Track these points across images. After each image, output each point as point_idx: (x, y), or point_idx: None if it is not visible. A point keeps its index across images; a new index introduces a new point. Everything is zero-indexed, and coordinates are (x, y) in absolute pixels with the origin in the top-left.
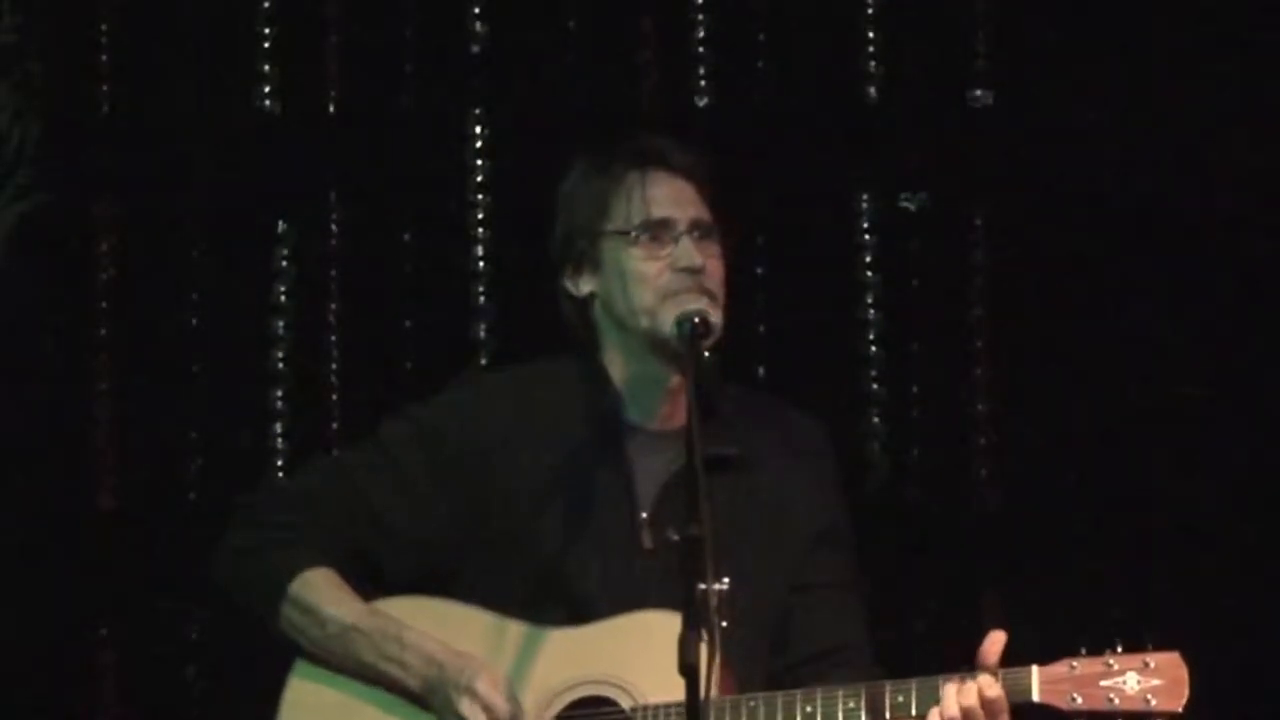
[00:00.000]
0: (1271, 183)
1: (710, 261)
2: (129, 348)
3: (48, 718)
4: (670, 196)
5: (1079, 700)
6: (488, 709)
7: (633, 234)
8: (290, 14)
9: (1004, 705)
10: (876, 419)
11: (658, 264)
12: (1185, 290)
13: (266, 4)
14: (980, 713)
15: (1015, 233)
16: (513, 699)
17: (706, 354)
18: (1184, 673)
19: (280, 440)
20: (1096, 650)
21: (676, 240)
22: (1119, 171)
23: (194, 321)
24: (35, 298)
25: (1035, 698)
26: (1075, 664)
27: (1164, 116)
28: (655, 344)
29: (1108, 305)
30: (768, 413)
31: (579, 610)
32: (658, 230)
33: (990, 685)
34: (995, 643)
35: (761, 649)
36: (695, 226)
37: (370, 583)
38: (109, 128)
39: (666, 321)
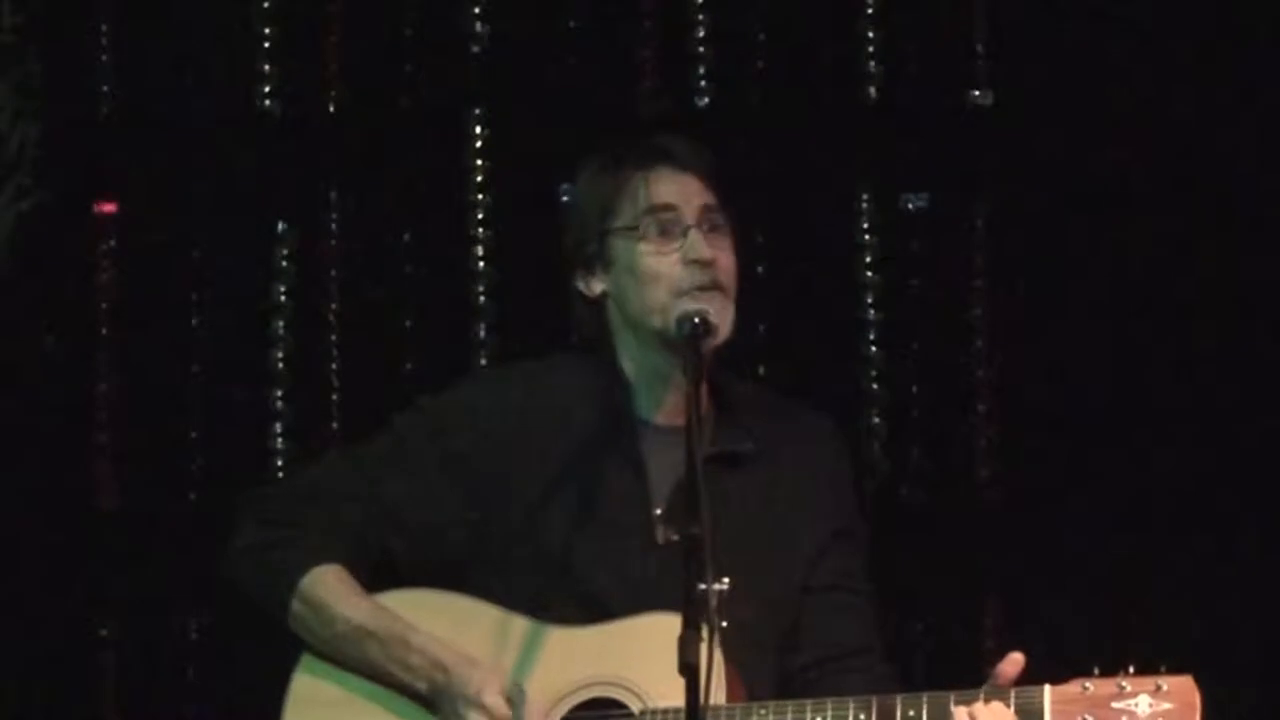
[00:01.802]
0: (1274, 182)
1: (721, 255)
2: (129, 348)
3: (48, 718)
4: (675, 188)
5: None
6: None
7: (640, 228)
8: (290, 14)
9: None
10: (876, 419)
11: (667, 259)
12: (1187, 290)
13: (266, 4)
14: None
15: (1015, 233)
16: (520, 706)
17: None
18: (1196, 698)
19: (280, 440)
20: (1109, 670)
21: (685, 233)
22: (1119, 171)
23: (194, 321)
24: (35, 298)
25: (1047, 718)
26: (1088, 684)
27: (1165, 115)
28: (667, 341)
29: (1109, 305)
30: (784, 412)
31: (591, 605)
32: (664, 222)
33: (1004, 714)
34: (1013, 664)
35: (771, 647)
36: (704, 218)
37: (381, 575)
38: (109, 128)
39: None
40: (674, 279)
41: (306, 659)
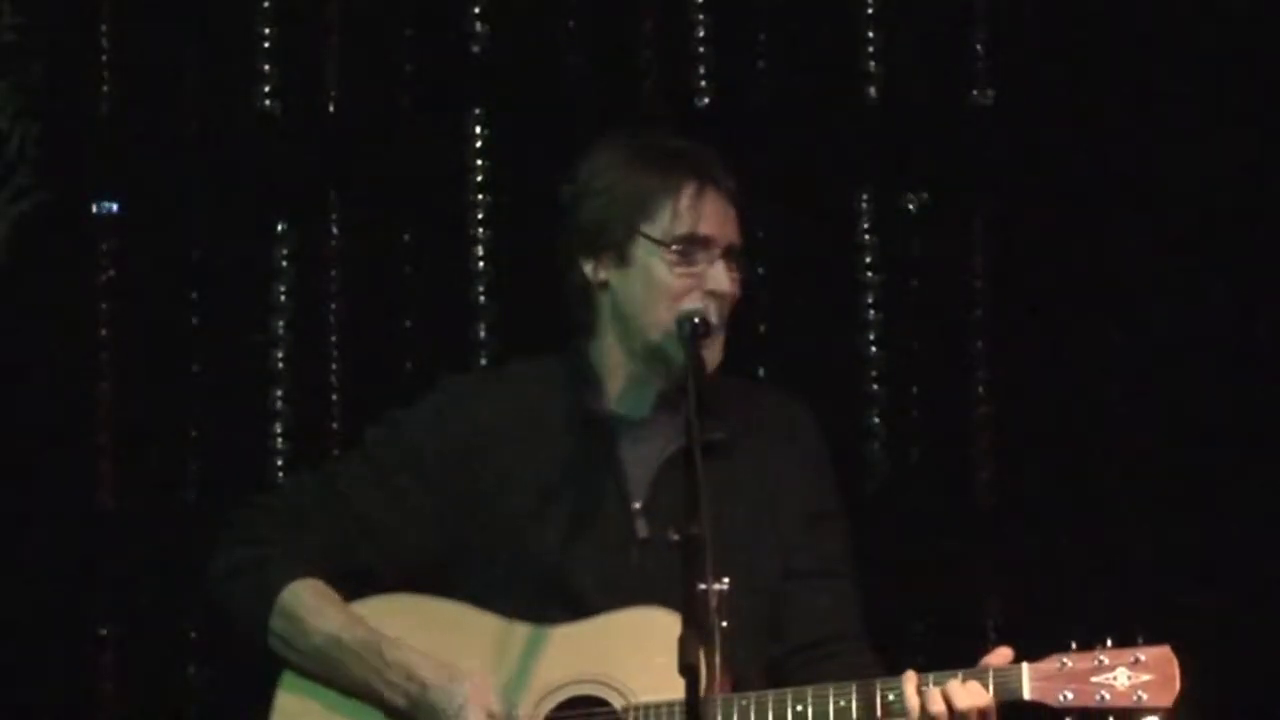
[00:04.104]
0: (1273, 181)
1: (735, 292)
2: (129, 348)
3: (48, 718)
4: (717, 216)
5: (1070, 697)
6: None
7: (673, 246)
8: (290, 14)
9: (992, 711)
10: (876, 419)
11: (687, 281)
12: (1186, 289)
13: (266, 4)
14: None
15: (1015, 233)
16: (506, 708)
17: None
18: (1174, 668)
19: (280, 440)
20: (1087, 646)
21: (711, 262)
22: (1119, 171)
23: (194, 321)
24: (35, 298)
25: (1026, 695)
26: (1066, 660)
27: (1164, 115)
28: (658, 357)
29: (1108, 305)
30: (756, 399)
31: (577, 604)
32: (697, 248)
33: (981, 695)
34: (1000, 657)
35: (759, 637)
36: (731, 251)
37: (364, 592)
38: (109, 128)
39: (677, 349)
40: (685, 308)
41: (287, 676)
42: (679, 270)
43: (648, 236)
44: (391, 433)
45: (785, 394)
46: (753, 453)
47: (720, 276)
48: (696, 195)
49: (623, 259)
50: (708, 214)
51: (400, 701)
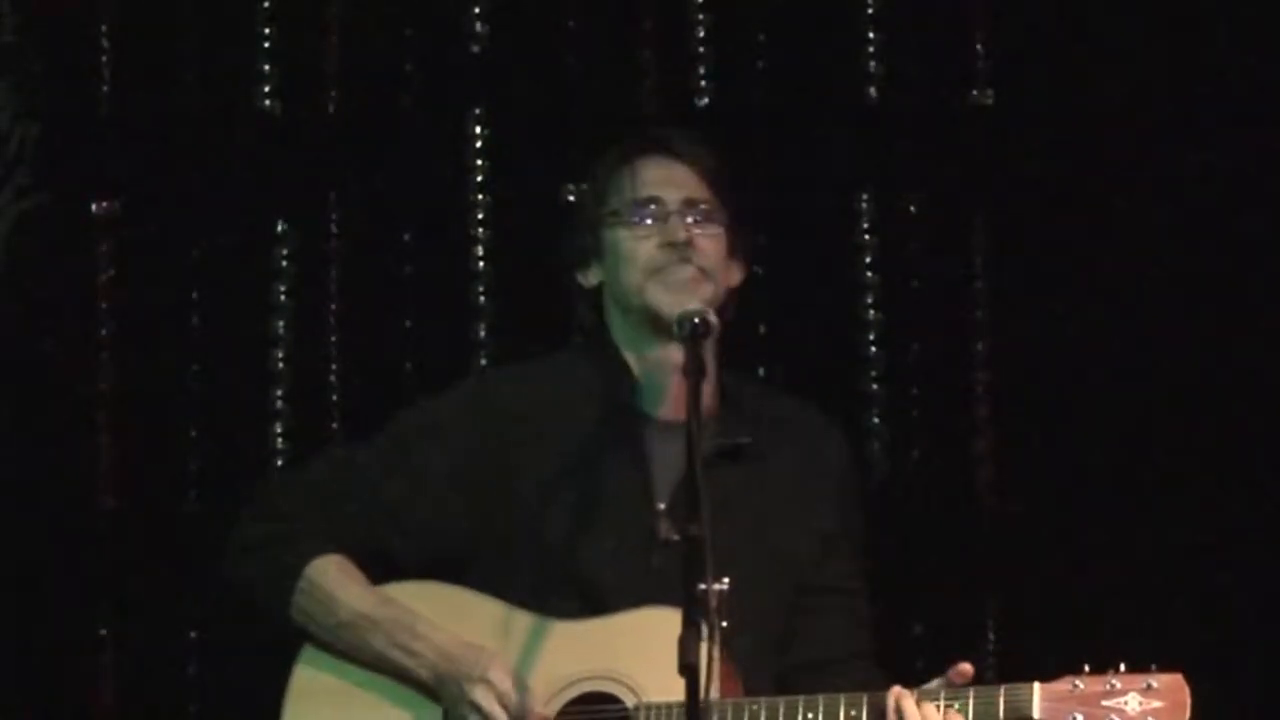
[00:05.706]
0: (1273, 181)
1: (704, 240)
2: (129, 348)
3: (48, 718)
4: (662, 178)
5: (1080, 719)
6: (501, 698)
7: (623, 214)
8: (290, 14)
9: None
10: (876, 419)
11: (647, 242)
12: (1187, 291)
13: (266, 4)
14: None
15: (1015, 233)
16: (523, 690)
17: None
18: (1186, 695)
19: (280, 440)
20: (1100, 669)
21: (665, 218)
22: (1119, 170)
23: (194, 321)
24: (35, 298)
25: (1036, 715)
26: (1078, 682)
27: (1164, 116)
28: (648, 318)
29: (1108, 306)
30: (791, 411)
31: (593, 601)
32: (647, 210)
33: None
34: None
35: (768, 643)
36: (688, 206)
37: (382, 572)
38: (109, 128)
39: (656, 298)
40: (648, 259)
41: (308, 651)
42: (637, 235)
43: (606, 218)
44: (421, 421)
45: (825, 416)
46: (783, 464)
47: (674, 229)
48: (634, 168)
49: (599, 252)
50: (649, 179)
51: (424, 674)
